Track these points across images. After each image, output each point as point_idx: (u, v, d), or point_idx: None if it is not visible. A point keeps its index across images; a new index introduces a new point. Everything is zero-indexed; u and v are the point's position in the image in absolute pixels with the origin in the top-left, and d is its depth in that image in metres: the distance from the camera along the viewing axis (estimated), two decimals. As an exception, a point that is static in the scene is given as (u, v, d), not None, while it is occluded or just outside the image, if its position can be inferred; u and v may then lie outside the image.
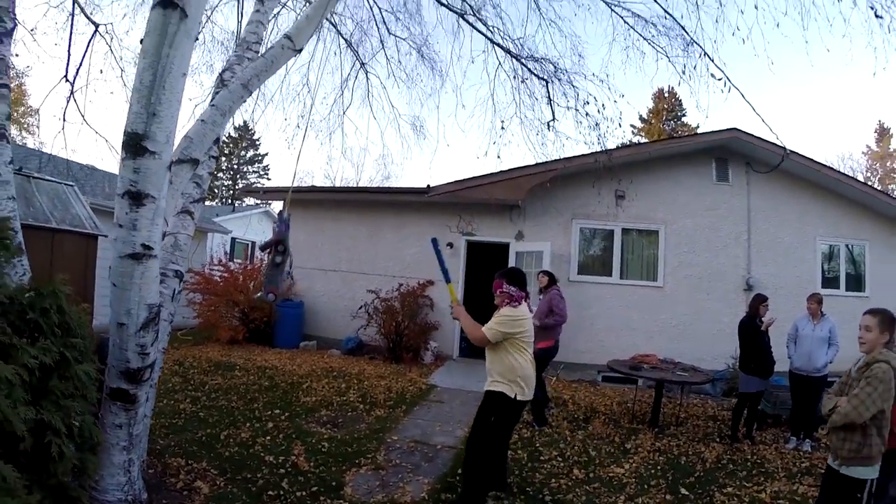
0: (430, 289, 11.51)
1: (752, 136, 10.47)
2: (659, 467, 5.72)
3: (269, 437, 5.80)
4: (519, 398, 4.36)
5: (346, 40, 7.94)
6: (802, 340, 6.91)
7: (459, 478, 5.00)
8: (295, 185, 14.92)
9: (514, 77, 7.44)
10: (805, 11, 5.49)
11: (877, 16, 5.08)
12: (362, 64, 8.35)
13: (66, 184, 6.08)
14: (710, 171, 11.17)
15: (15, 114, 22.33)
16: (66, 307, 2.53)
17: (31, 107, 22.11)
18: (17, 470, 1.93)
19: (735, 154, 11.10)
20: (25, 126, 21.60)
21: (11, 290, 2.35)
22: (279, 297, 6.12)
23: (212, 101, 4.70)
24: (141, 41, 3.31)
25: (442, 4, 7.18)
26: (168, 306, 4.56)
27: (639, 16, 6.84)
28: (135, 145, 3.22)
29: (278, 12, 7.37)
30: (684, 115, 37.88)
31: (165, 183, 3.45)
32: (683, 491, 5.09)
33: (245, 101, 4.72)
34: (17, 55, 4.12)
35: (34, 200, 5.37)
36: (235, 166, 46.30)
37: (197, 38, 3.39)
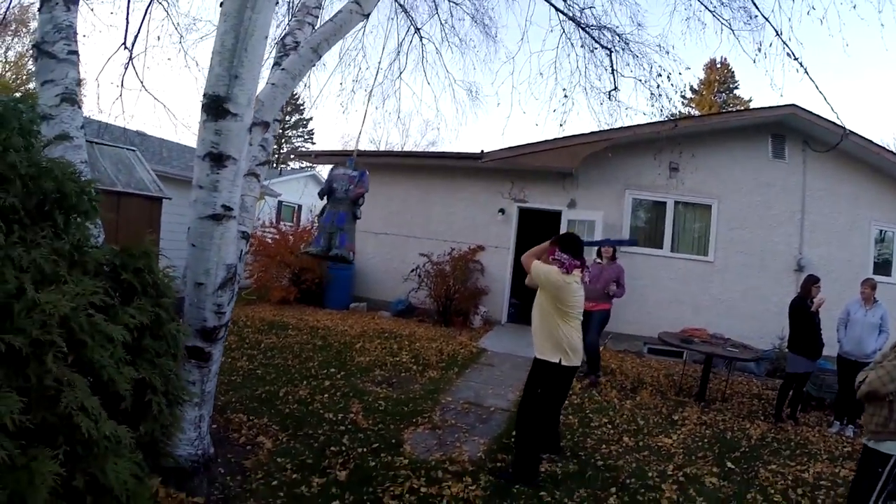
0: (480, 254, 11.52)
1: (811, 113, 10.03)
2: (706, 440, 5.73)
3: (326, 395, 5.93)
4: (564, 363, 4.36)
5: (400, 4, 7.82)
6: (854, 325, 6.74)
7: (513, 439, 5.04)
8: (341, 148, 14.83)
9: (582, 46, 7.26)
10: None
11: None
12: (417, 29, 8.22)
13: (128, 149, 6.19)
14: (766, 147, 10.77)
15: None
16: (156, 267, 2.57)
17: (83, 77, 22.43)
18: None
19: (792, 131, 10.66)
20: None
21: (106, 252, 2.39)
22: (313, 246, 5.51)
23: (276, 64, 4.70)
24: (221, 4, 3.29)
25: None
26: (238, 267, 4.65)
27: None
28: (217, 108, 3.23)
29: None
30: (737, 88, 36.44)
31: (245, 145, 3.48)
32: (729, 465, 5.11)
33: (314, 65, 4.70)
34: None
35: (98, 165, 5.49)
36: (281, 130, 46.61)
37: (277, 2, 3.36)
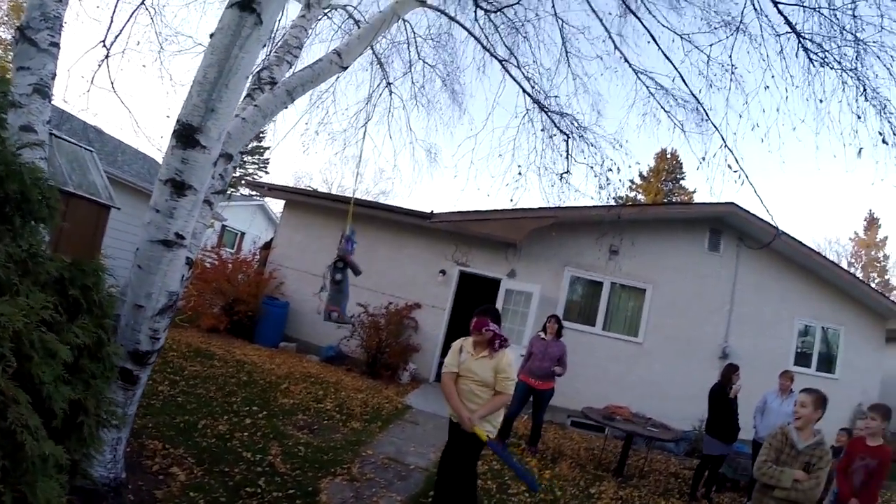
0: (416, 311, 11.62)
1: (749, 212, 10.87)
2: None
3: (246, 434, 5.80)
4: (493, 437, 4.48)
5: (377, 57, 8.06)
6: (769, 413, 7.23)
7: (431, 500, 5.06)
8: (293, 185, 14.80)
9: (542, 130, 7.64)
10: (820, 120, 5.82)
11: (884, 141, 5.44)
12: (388, 83, 8.47)
13: (86, 148, 6.07)
14: (703, 240, 11.55)
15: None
16: (103, 286, 2.57)
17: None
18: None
19: (730, 227, 11.49)
20: None
21: (58, 265, 2.38)
22: (341, 317, 6.46)
23: (248, 97, 4.78)
24: (211, 35, 3.39)
25: (487, 51, 7.38)
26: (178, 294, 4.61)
27: (661, 86, 7.09)
28: (187, 137, 3.30)
29: (321, 18, 7.47)
30: (683, 178, 38.42)
31: (208, 177, 3.53)
32: None
33: (286, 107, 4.81)
34: None
35: (54, 160, 5.37)
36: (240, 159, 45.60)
37: (265, 45, 3.47)
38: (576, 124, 7.45)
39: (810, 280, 11.61)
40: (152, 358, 3.68)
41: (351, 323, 6.19)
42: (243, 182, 34.77)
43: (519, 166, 7.86)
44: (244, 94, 5.09)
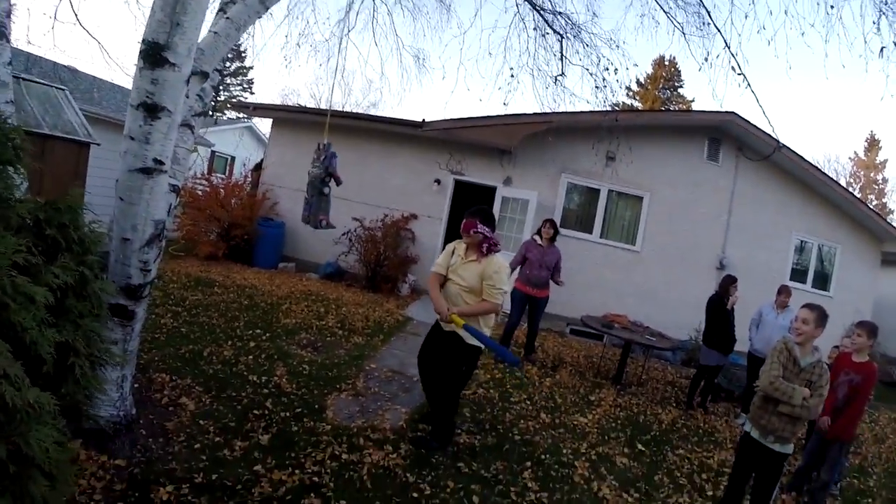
0: (413, 222, 11.52)
1: (749, 122, 10.61)
2: (619, 422, 6.06)
3: (251, 357, 5.84)
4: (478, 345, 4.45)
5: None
6: (765, 326, 7.24)
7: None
8: (280, 102, 14.47)
9: (535, 29, 7.22)
10: (830, 27, 5.47)
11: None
12: (371, -15, 7.99)
13: (57, 88, 5.78)
14: (702, 149, 11.32)
15: None
16: (82, 223, 2.43)
17: (14, 2, 20.91)
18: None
19: (729, 136, 11.25)
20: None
21: (30, 206, 2.24)
22: (328, 223, 6.73)
23: (221, 11, 4.47)
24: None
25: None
26: (166, 222, 4.47)
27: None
28: (154, 55, 3.06)
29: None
30: (681, 87, 37.55)
31: (182, 96, 3.31)
32: (640, 447, 5.43)
33: (260, 17, 4.49)
34: None
35: (24, 104, 5.10)
36: (220, 79, 44.50)
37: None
38: (570, 23, 7.06)
39: (809, 196, 11.55)
40: (145, 291, 3.59)
41: (334, 227, 6.44)
42: (228, 105, 34.01)
43: (511, 68, 7.55)
44: (217, 8, 4.79)
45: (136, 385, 4.52)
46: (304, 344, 6.66)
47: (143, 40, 3.07)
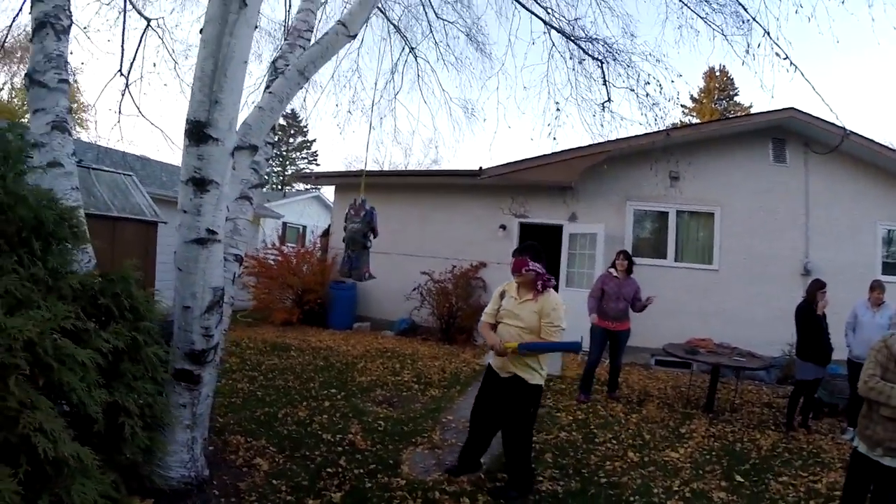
0: (482, 270, 11.54)
1: (810, 115, 10.04)
2: (714, 453, 5.60)
3: (325, 416, 5.89)
4: (541, 383, 4.36)
5: (394, 25, 7.93)
6: (862, 328, 6.66)
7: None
8: (343, 169, 14.97)
9: (571, 58, 7.29)
10: None
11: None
12: (411, 49, 8.32)
13: (125, 174, 6.29)
14: (766, 152, 10.75)
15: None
16: (135, 292, 2.60)
17: (83, 103, 22.94)
18: (92, 451, 2.01)
19: (792, 134, 10.67)
20: (80, 122, 22.37)
21: (82, 277, 2.42)
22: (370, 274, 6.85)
23: (267, 88, 4.75)
24: (200, 31, 3.35)
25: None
26: (228, 289, 4.66)
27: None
28: (198, 133, 3.28)
29: (326, 0, 7.38)
30: (736, 95, 36.49)
31: (228, 169, 3.51)
32: (738, 478, 4.96)
33: (301, 88, 4.75)
34: (71, 52, 4.22)
35: (94, 190, 5.57)
36: (285, 153, 47.14)
37: (256, 27, 3.41)
38: (608, 48, 7.07)
39: (887, 181, 10.63)
40: (210, 356, 3.73)
41: (375, 277, 6.82)
42: (290, 179, 35.51)
43: (557, 102, 7.56)
44: (263, 86, 5.10)
45: (211, 447, 4.67)
46: (379, 400, 6.68)
47: (187, 120, 3.31)
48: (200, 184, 3.35)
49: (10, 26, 6.57)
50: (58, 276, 2.30)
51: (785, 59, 5.71)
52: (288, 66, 4.81)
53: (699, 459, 5.40)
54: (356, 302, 12.19)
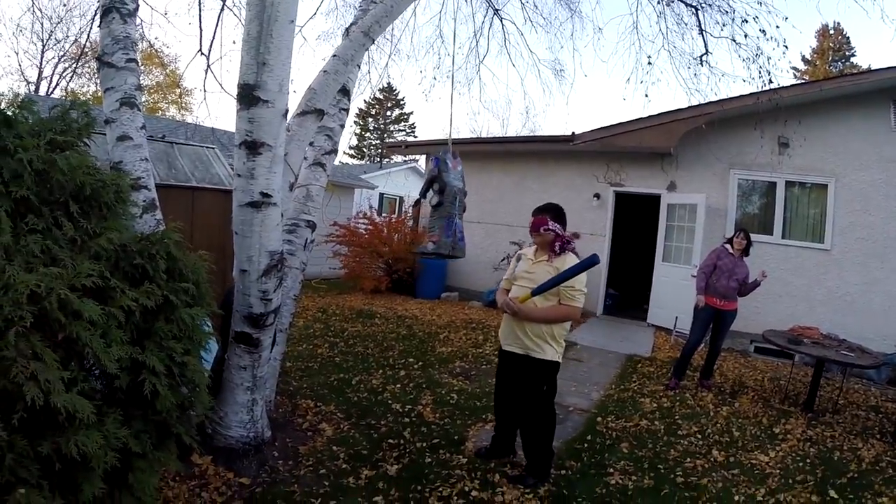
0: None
1: None
2: (808, 460, 4.89)
3: (399, 385, 5.89)
4: (559, 360, 4.07)
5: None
6: None
7: (587, 444, 4.79)
8: (442, 138, 14.96)
9: (658, 2, 6.70)
10: None
11: None
12: (496, 11, 8.03)
13: (207, 147, 6.51)
14: (888, 117, 9.26)
15: (173, 95, 24.58)
16: (176, 253, 2.62)
17: (187, 88, 24.36)
18: (111, 405, 2.07)
19: None
20: (184, 105, 23.72)
21: (125, 238, 2.46)
22: (444, 245, 5.04)
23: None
24: (246, -5, 3.34)
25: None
26: (300, 255, 4.73)
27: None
28: (248, 96, 3.28)
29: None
30: (853, 55, 33.04)
31: (282, 131, 3.49)
32: (832, 493, 4.26)
33: (366, 49, 4.67)
34: (156, 39, 4.36)
35: (176, 163, 5.82)
36: (382, 126, 48.00)
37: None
38: None
39: None
40: (269, 320, 3.76)
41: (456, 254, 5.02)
42: (384, 146, 36.04)
43: (648, 56, 7.02)
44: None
45: (281, 409, 4.79)
46: (456, 373, 6.60)
47: (238, 84, 3.31)
48: (252, 147, 3.35)
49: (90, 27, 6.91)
50: (92, 237, 2.34)
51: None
52: (355, 26, 4.74)
53: (791, 466, 4.76)
54: (445, 272, 12.21)
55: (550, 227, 4.04)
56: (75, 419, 1.84)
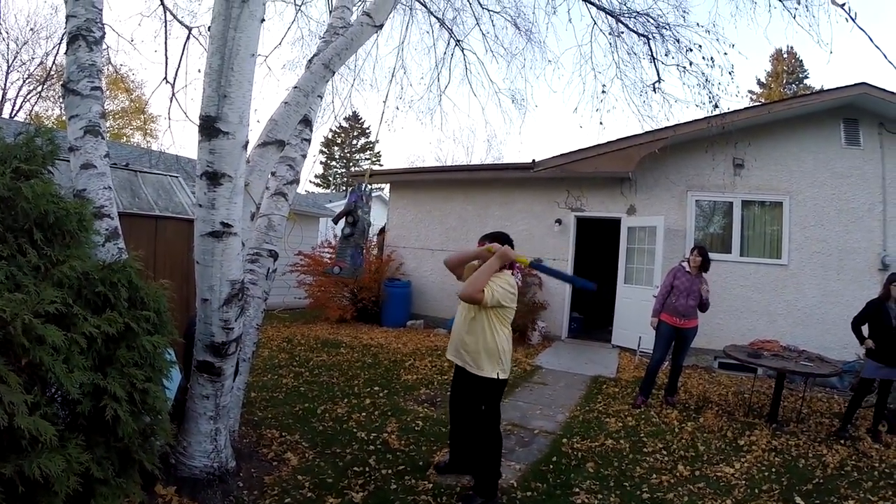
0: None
1: (884, 90, 9.01)
2: (773, 469, 5.06)
3: (364, 414, 5.90)
4: (501, 377, 4.12)
5: (437, 18, 7.90)
6: None
7: (553, 465, 4.84)
8: (404, 168, 15.03)
9: (610, 33, 6.98)
10: None
11: None
12: (457, 42, 8.26)
13: (171, 175, 6.54)
14: (837, 134, 9.78)
15: (138, 121, 24.48)
16: (137, 282, 2.66)
17: (153, 115, 24.27)
18: (73, 431, 2.09)
19: (865, 113, 9.65)
20: (149, 131, 23.62)
21: (87, 266, 2.50)
22: (348, 270, 5.82)
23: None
24: (208, 28, 3.42)
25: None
26: (262, 284, 4.76)
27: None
28: (209, 128, 3.35)
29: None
30: (807, 77, 34.52)
31: (242, 162, 3.55)
32: (798, 500, 4.43)
33: (327, 81, 4.78)
34: (122, 65, 4.42)
35: (140, 192, 5.83)
36: (348, 154, 48.16)
37: (263, 20, 3.44)
38: (652, 22, 6.74)
39: None
40: (231, 348, 3.78)
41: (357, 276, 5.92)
42: (347, 175, 36.12)
43: (603, 85, 7.29)
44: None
45: (245, 440, 4.77)
46: (421, 400, 6.62)
47: (200, 116, 3.38)
48: (213, 177, 3.41)
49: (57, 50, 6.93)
50: (56, 265, 2.37)
51: (842, 4, 5.09)
52: (316, 58, 4.86)
53: (756, 476, 4.91)
54: (411, 299, 12.26)
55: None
56: (38, 442, 1.87)
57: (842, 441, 5.96)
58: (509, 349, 4.19)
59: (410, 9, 8.10)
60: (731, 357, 7.02)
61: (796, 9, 5.56)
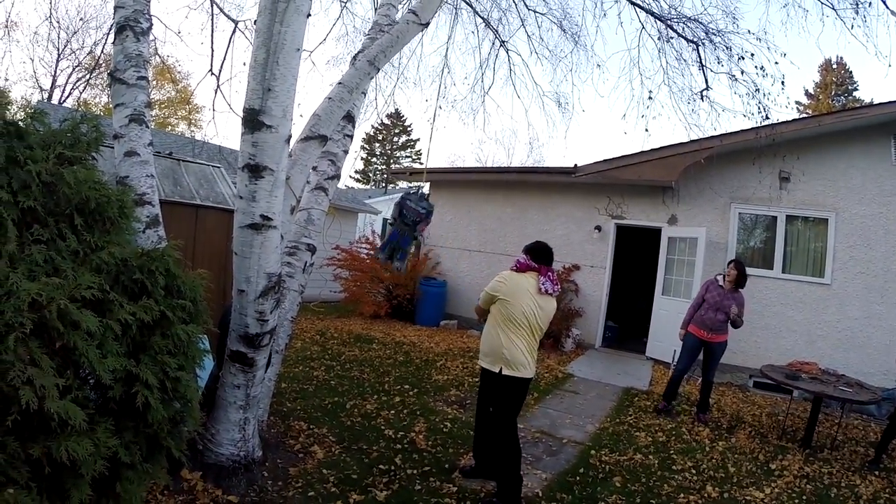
0: (574, 273, 11.20)
1: None
2: (804, 497, 4.85)
3: (392, 412, 5.90)
4: (505, 373, 4.11)
5: (483, 19, 7.87)
6: None
7: (580, 477, 4.76)
8: (445, 167, 15.05)
9: (659, 38, 6.85)
10: None
11: None
12: (502, 42, 8.21)
13: (213, 166, 6.64)
14: (888, 151, 9.30)
15: (183, 111, 25.11)
16: (175, 270, 2.69)
17: (197, 105, 24.85)
18: (103, 415, 2.12)
19: None
20: (194, 121, 24.14)
21: (126, 253, 2.53)
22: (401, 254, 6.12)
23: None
24: (254, 22, 3.46)
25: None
26: (299, 277, 4.80)
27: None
28: (252, 120, 3.38)
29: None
30: (856, 89, 33.25)
31: (284, 156, 3.58)
32: None
33: (372, 78, 4.79)
34: (168, 56, 4.51)
35: (182, 181, 5.93)
36: (389, 151, 48.48)
37: (309, 15, 3.46)
38: (702, 27, 6.59)
39: None
40: (264, 340, 3.81)
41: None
42: (387, 172, 36.28)
43: (650, 91, 7.15)
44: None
45: (273, 430, 4.81)
46: (451, 401, 6.60)
47: (243, 108, 3.41)
48: (255, 170, 3.44)
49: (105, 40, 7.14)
50: (95, 250, 2.41)
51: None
52: (361, 54, 4.87)
53: (786, 503, 4.74)
54: (445, 299, 12.24)
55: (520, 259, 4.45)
56: (67, 425, 1.90)
57: (875, 472, 5.68)
58: (513, 347, 4.17)
59: (456, 8, 8.09)
60: (767, 377, 6.78)
61: (853, 19, 5.36)
